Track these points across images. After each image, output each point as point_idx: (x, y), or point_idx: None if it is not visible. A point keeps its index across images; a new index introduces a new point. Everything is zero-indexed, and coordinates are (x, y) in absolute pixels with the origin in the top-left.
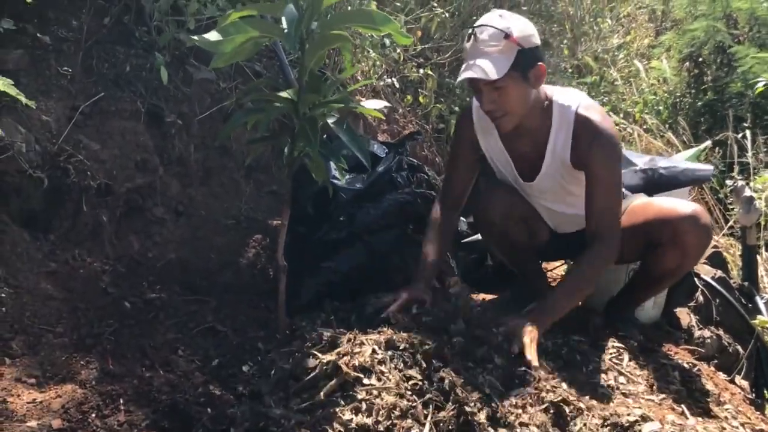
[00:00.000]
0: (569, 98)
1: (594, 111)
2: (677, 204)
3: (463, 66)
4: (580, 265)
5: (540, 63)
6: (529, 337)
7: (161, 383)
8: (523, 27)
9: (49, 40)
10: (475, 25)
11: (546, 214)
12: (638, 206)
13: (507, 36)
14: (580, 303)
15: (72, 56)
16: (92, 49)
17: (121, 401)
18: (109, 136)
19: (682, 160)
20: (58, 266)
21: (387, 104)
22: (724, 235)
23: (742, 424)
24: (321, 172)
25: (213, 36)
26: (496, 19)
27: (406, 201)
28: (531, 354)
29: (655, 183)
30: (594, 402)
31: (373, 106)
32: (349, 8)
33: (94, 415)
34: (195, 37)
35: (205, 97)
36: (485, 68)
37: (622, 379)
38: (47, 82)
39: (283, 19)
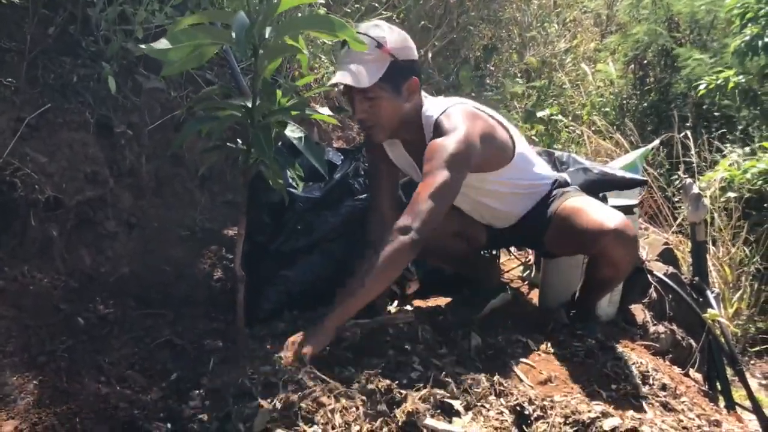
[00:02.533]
0: (439, 107)
1: (453, 115)
2: (604, 219)
3: (336, 71)
4: (370, 267)
5: (414, 77)
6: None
7: (118, 400)
8: (398, 39)
9: None
10: None
11: (476, 211)
12: (571, 209)
13: (380, 45)
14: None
15: (16, 67)
16: (37, 59)
17: (77, 420)
18: (57, 148)
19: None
20: (6, 283)
21: (342, 112)
22: (673, 232)
23: (698, 416)
24: (277, 181)
25: (162, 44)
26: (371, 28)
27: (363, 207)
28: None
29: (595, 183)
30: (554, 400)
31: (327, 112)
32: (300, 15)
33: None
34: (143, 46)
35: (155, 107)
36: (356, 75)
37: (580, 375)
38: None
39: (234, 26)
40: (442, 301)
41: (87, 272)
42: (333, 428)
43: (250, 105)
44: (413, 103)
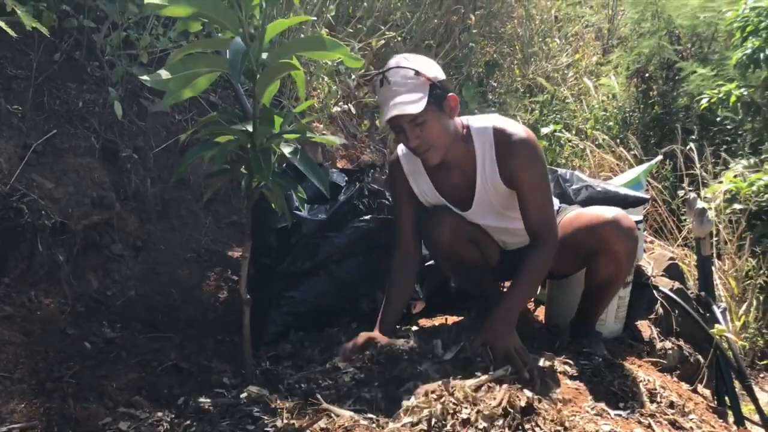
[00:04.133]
0: (484, 120)
1: (509, 123)
2: (600, 212)
3: (384, 109)
4: (526, 268)
5: (451, 94)
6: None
7: (126, 426)
8: (427, 64)
9: None
10: (382, 70)
11: (493, 231)
12: (569, 218)
13: (417, 73)
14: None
15: (22, 93)
16: (43, 85)
17: None
18: (63, 173)
19: (621, 186)
20: (14, 309)
21: (343, 141)
22: (678, 245)
23: None
24: (280, 203)
25: (162, 74)
26: (402, 61)
27: (369, 228)
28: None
29: (597, 201)
30: (563, 420)
31: (331, 139)
32: (301, 35)
33: None
34: (145, 77)
35: (160, 131)
36: (407, 105)
37: (587, 395)
38: None
39: (229, 52)
40: (447, 320)
41: (94, 296)
42: None
43: (251, 129)
44: (455, 120)
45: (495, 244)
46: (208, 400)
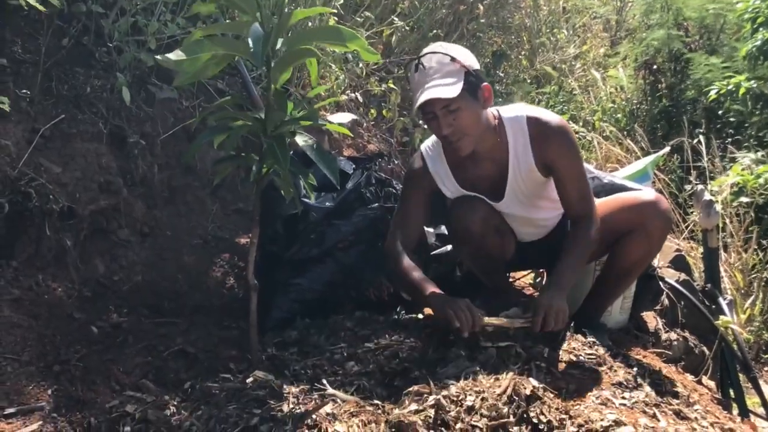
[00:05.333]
0: (516, 110)
1: (541, 111)
2: (638, 193)
3: (418, 94)
4: (574, 241)
5: (485, 84)
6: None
7: (133, 408)
8: (463, 52)
9: (6, 63)
10: (419, 55)
11: (514, 225)
12: (599, 204)
13: (453, 59)
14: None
15: (31, 78)
16: (51, 70)
17: (92, 428)
18: (71, 158)
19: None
20: (22, 293)
21: (353, 116)
22: (684, 238)
23: (712, 424)
24: (289, 190)
25: (176, 55)
26: (438, 47)
27: (376, 216)
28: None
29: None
30: (568, 408)
31: (339, 119)
32: (309, 24)
33: None
34: (158, 57)
35: (167, 117)
36: (441, 89)
37: (592, 384)
38: (5, 105)
39: (250, 38)
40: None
41: (101, 281)
42: None
43: (263, 115)
44: (488, 110)
45: (513, 236)
46: (215, 384)
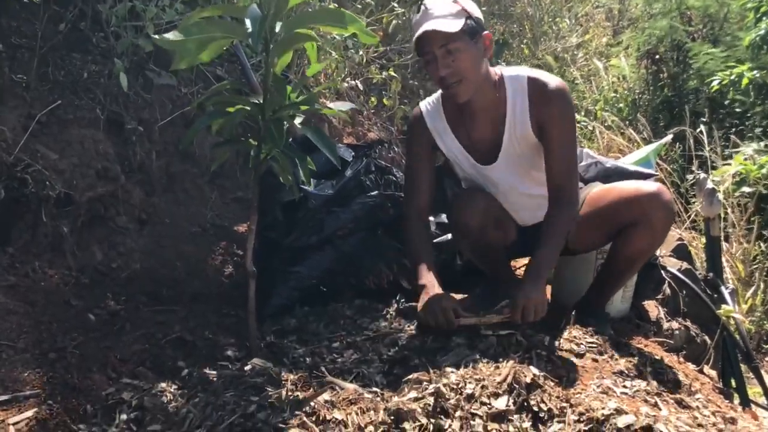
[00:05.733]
0: (518, 70)
1: (544, 73)
2: (640, 184)
3: (417, 29)
4: (551, 228)
5: (486, 32)
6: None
7: (129, 396)
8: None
9: (2, 48)
10: None
11: (512, 203)
12: (598, 192)
13: (455, 1)
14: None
15: (27, 63)
16: (48, 56)
17: (87, 416)
18: (68, 144)
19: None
20: (18, 279)
21: (353, 105)
22: (686, 228)
23: (713, 413)
24: (287, 176)
25: (174, 36)
26: None
27: (375, 204)
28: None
29: (607, 177)
30: (569, 397)
31: (339, 107)
32: (309, 9)
33: None
34: (156, 36)
35: (166, 103)
36: (441, 22)
37: (593, 372)
38: (1, 90)
39: (247, 19)
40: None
41: (98, 268)
42: None
43: (261, 100)
44: (487, 62)
45: (514, 223)
46: (213, 372)
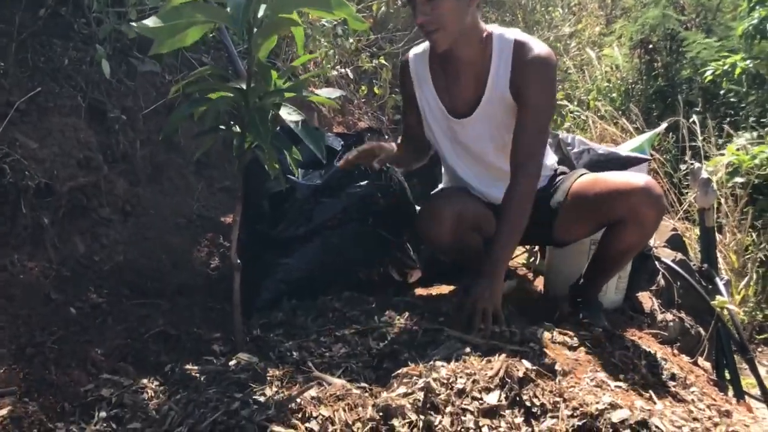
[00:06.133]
0: (509, 31)
1: (532, 39)
2: (628, 177)
3: None
4: (506, 206)
5: None
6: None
7: (109, 392)
8: None
9: None
10: None
11: (483, 178)
12: (585, 183)
13: None
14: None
15: (5, 49)
16: (27, 41)
17: (65, 413)
18: (48, 133)
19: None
20: None
21: (342, 92)
22: (680, 219)
23: (708, 406)
24: (274, 165)
25: (153, 21)
26: None
27: (365, 194)
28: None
29: (599, 163)
30: (562, 391)
31: (327, 94)
32: None
33: (36, 430)
34: (134, 23)
35: (150, 91)
36: None
37: (586, 366)
38: None
39: (229, 3)
40: (444, 289)
41: (80, 261)
42: None
43: (244, 86)
44: (474, 16)
45: (490, 213)
46: (196, 367)
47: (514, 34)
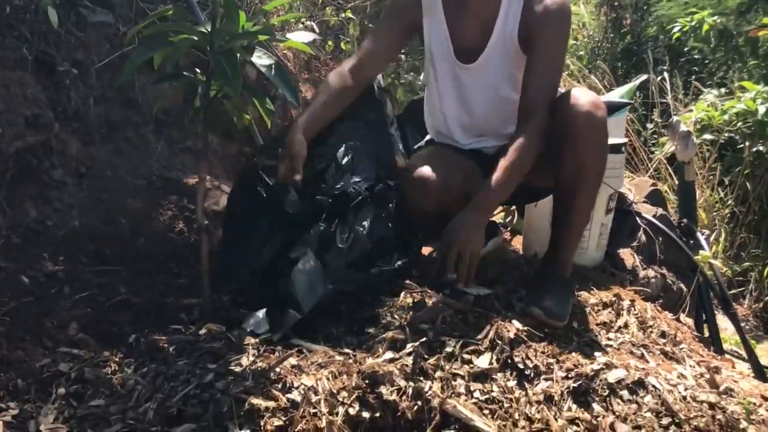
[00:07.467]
0: None
1: None
2: (568, 93)
3: None
4: (510, 146)
5: None
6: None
7: (68, 367)
8: None
9: None
10: None
11: (478, 118)
12: None
13: None
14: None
15: None
16: None
17: (19, 391)
18: None
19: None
20: None
21: (316, 36)
22: (650, 176)
23: (698, 363)
24: (242, 115)
25: None
26: None
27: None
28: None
29: None
30: (555, 352)
31: (299, 38)
32: None
33: None
34: None
35: (102, 43)
36: None
37: (576, 325)
38: None
39: None
40: (427, 250)
41: (32, 226)
42: None
43: (209, 29)
44: None
45: (479, 173)
46: (163, 338)
47: None
